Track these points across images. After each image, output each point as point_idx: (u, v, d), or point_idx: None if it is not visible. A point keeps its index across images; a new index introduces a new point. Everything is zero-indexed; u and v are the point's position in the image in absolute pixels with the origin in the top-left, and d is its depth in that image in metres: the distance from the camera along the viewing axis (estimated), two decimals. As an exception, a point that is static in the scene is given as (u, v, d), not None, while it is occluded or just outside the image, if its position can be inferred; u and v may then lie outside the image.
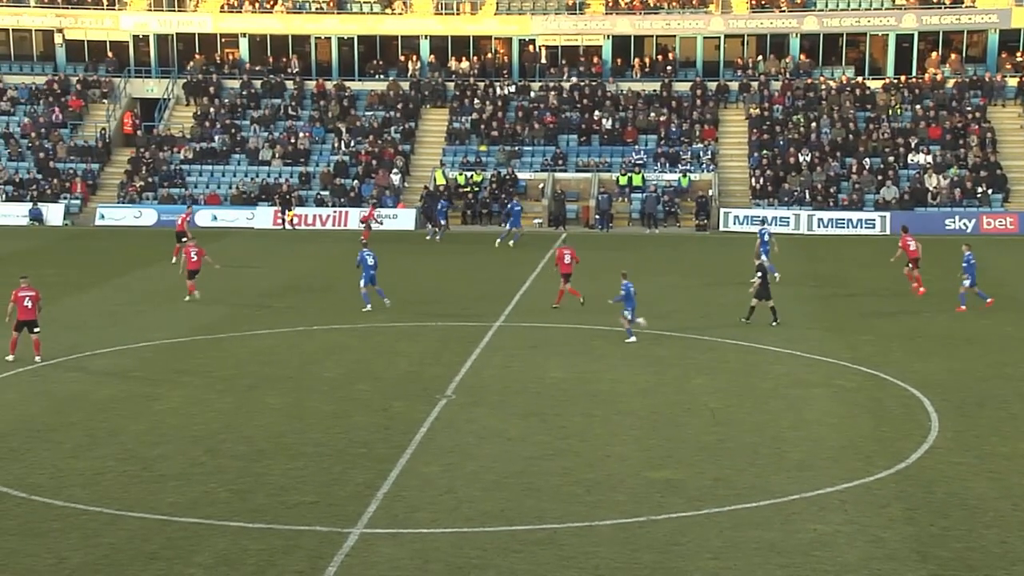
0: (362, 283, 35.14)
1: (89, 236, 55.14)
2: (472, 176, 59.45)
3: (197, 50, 68.33)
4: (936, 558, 16.81)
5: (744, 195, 58.76)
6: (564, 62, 66.90)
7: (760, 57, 65.85)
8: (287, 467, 20.75)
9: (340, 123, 63.69)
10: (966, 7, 64.80)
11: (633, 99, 63.83)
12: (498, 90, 65.05)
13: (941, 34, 65.12)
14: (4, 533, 17.77)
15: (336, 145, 62.67)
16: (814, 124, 61.18)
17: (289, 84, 66.67)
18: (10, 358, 28.43)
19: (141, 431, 22.94)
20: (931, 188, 56.78)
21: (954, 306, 35.10)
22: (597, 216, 56.73)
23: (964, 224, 54.58)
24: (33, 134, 63.76)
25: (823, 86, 63.40)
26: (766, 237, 41.19)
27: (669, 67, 65.49)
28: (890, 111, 61.53)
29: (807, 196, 57.16)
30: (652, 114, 62.80)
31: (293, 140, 62.73)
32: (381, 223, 55.21)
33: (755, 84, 63.84)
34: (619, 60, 66.97)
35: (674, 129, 61.85)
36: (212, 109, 65.52)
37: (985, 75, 63.13)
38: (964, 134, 59.63)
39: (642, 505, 18.90)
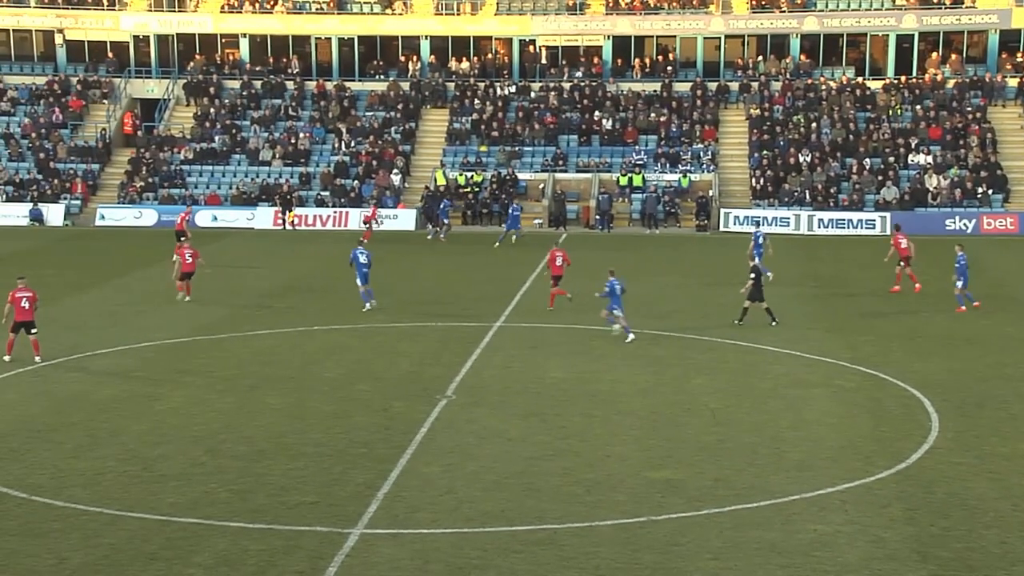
0: (359, 282, 35.13)
1: (89, 236, 55.14)
2: (472, 176, 59.45)
3: (197, 50, 68.36)
4: (936, 558, 16.82)
5: (744, 195, 58.77)
6: (564, 62, 66.91)
7: (760, 57, 65.86)
8: (287, 467, 20.75)
9: (340, 123, 63.70)
10: (966, 7, 64.81)
11: (633, 99, 63.84)
12: (498, 90, 65.07)
13: (941, 34, 65.13)
14: (4, 533, 17.77)
15: (336, 145, 62.68)
16: (814, 124, 61.19)
17: (289, 84, 66.70)
18: (7, 359, 28.43)
19: (142, 431, 22.94)
20: (931, 188, 56.78)
21: (953, 306, 35.12)
22: (597, 216, 56.74)
23: (964, 224, 54.59)
24: (33, 134, 63.78)
25: (823, 86, 63.41)
26: (760, 239, 41.30)
27: (669, 67, 65.51)
28: (890, 111, 61.54)
29: (807, 196, 57.16)
30: (652, 114, 62.81)
31: (293, 140, 62.74)
32: (381, 223, 55.26)
33: (755, 84, 63.85)
34: (619, 60, 66.99)
35: (674, 129, 61.86)
36: (212, 109, 65.53)
37: (985, 75, 63.14)
38: (964, 134, 59.64)
39: (642, 505, 18.91)
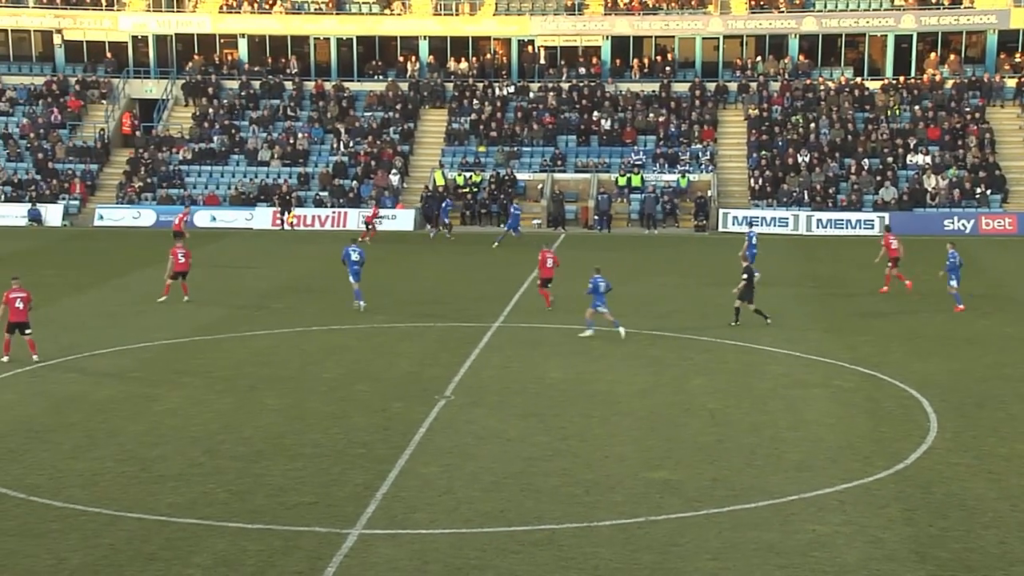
0: (351, 280, 35.06)
1: (88, 237, 55.13)
2: (471, 177, 59.45)
3: (196, 51, 68.35)
4: (935, 559, 16.82)
5: (743, 196, 58.78)
6: (563, 63, 66.93)
7: (759, 58, 65.87)
8: (286, 468, 20.74)
9: (339, 124, 63.70)
10: (965, 8, 64.83)
11: (632, 100, 63.85)
12: (497, 91, 65.08)
13: (940, 35, 65.17)
14: (3, 534, 17.76)
15: (335, 146, 62.67)
16: (813, 125, 61.20)
17: (288, 85, 66.69)
18: (5, 359, 28.41)
19: (140, 432, 22.92)
20: (930, 189, 56.80)
21: (952, 306, 35.13)
22: (596, 217, 56.75)
23: (963, 225, 54.61)
24: (32, 135, 63.76)
25: (822, 87, 63.43)
26: (754, 239, 41.37)
27: (668, 68, 65.51)
28: (889, 112, 61.56)
29: (806, 197, 57.17)
30: (651, 115, 62.82)
31: (292, 141, 62.74)
32: (380, 222, 55.21)
33: (754, 85, 63.88)
34: (618, 61, 66.99)
35: (673, 130, 61.87)
36: (211, 110, 65.52)
37: (984, 76, 63.19)
38: (963, 135, 59.66)
39: (641, 506, 18.90)
